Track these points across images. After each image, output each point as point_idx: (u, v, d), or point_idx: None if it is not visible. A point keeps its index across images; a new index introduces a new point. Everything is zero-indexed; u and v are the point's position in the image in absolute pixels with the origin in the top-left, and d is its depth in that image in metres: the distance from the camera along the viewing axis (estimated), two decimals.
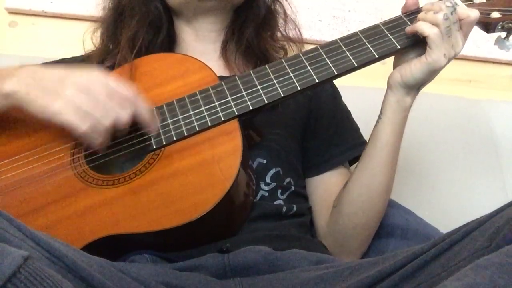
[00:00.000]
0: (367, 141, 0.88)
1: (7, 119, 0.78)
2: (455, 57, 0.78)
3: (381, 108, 0.84)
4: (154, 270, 0.64)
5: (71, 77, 0.70)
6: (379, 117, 0.84)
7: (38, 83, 0.70)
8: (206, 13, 0.93)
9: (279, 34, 0.99)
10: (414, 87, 0.80)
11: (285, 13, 1.00)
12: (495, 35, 0.86)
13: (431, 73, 0.77)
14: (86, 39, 0.98)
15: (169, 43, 0.94)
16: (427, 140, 1.22)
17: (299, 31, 1.00)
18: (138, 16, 0.91)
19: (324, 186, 0.93)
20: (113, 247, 0.71)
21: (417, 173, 1.17)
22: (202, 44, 0.95)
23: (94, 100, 0.69)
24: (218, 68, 0.91)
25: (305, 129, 0.95)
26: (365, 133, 0.97)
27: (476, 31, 0.85)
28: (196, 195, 0.71)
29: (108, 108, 0.69)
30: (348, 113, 1.01)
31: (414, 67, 0.78)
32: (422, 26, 0.75)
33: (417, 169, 1.18)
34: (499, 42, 0.85)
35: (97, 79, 0.71)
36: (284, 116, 0.92)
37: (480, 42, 1.45)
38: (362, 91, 1.24)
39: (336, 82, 1.04)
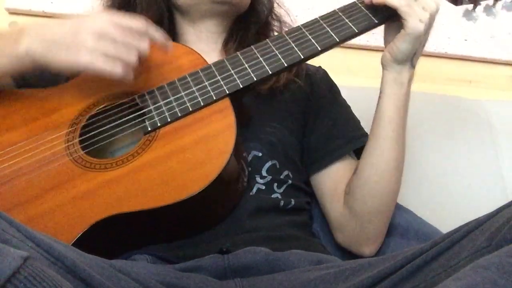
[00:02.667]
0: (368, 133, 0.88)
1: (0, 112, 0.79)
2: (434, 16, 0.79)
3: (380, 87, 0.85)
4: (154, 270, 0.64)
5: (84, 27, 0.72)
6: (379, 97, 0.85)
7: (53, 40, 0.72)
8: (214, 16, 0.94)
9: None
10: (405, 61, 0.82)
11: (279, 20, 1.03)
12: (481, 15, 0.89)
13: (415, 42, 0.79)
14: None
15: None
16: (427, 140, 1.22)
17: None
18: (147, 15, 0.90)
19: (332, 179, 0.93)
20: (114, 234, 0.71)
21: (417, 172, 1.17)
22: (203, 45, 0.95)
23: (114, 43, 0.71)
24: None
25: (304, 124, 0.95)
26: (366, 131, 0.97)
27: (478, 31, 0.85)
28: (195, 170, 0.72)
29: (129, 45, 0.72)
30: (347, 107, 1.01)
31: (398, 41, 0.80)
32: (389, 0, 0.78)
33: (417, 169, 1.18)
34: (466, 14, 0.89)
35: (107, 21, 0.72)
36: (281, 110, 0.92)
37: (481, 42, 1.45)
38: (362, 91, 1.24)
39: (339, 82, 1.04)
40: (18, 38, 0.73)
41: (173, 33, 0.96)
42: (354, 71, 1.29)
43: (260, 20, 0.99)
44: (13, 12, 1.32)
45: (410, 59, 0.82)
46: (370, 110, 0.89)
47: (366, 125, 0.97)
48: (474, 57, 1.48)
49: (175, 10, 0.96)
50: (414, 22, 0.76)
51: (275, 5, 1.02)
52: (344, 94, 1.03)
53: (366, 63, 1.24)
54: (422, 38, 0.79)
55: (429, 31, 0.80)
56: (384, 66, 0.84)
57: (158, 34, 0.76)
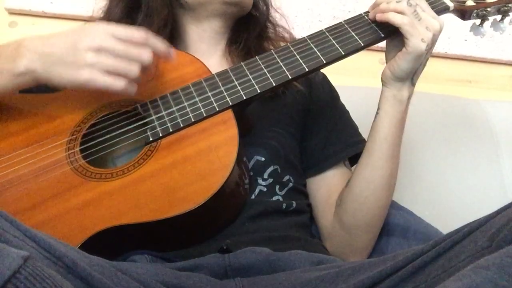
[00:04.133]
0: (366, 139, 0.88)
1: (0, 118, 0.79)
2: (437, 36, 0.78)
3: (378, 103, 0.85)
4: (154, 270, 0.64)
5: (82, 42, 0.71)
6: (377, 112, 0.85)
7: (50, 57, 0.71)
8: (220, 16, 0.94)
9: (277, 37, 1.01)
10: (406, 79, 0.81)
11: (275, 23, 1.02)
12: (488, 30, 0.89)
13: (415, 61, 0.78)
14: None
15: (170, 42, 0.94)
16: (427, 140, 1.22)
17: (292, 34, 1.02)
18: (157, 15, 0.90)
19: (326, 187, 0.93)
20: (114, 243, 0.71)
21: (417, 173, 1.17)
22: (206, 45, 0.96)
23: (115, 56, 0.70)
24: (220, 68, 0.92)
25: (304, 128, 0.95)
26: (365, 133, 0.97)
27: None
28: (196, 183, 0.71)
29: (131, 57, 0.71)
30: (346, 112, 1.01)
31: (399, 59, 0.79)
32: (392, 17, 0.78)
33: (417, 169, 1.18)
34: (474, 29, 0.89)
35: (106, 34, 0.71)
36: (282, 115, 0.92)
37: (480, 42, 1.45)
38: (361, 91, 1.24)
39: (335, 82, 1.04)
40: (17, 55, 0.72)
41: (176, 31, 0.95)
42: (347, 70, 1.29)
43: (261, 22, 0.99)
44: (13, 12, 1.31)
45: (410, 78, 0.82)
46: (369, 110, 0.88)
47: (363, 125, 0.97)
48: (474, 57, 1.48)
49: (179, 8, 0.95)
50: (416, 41, 0.76)
51: (271, 9, 1.02)
52: (343, 94, 1.03)
53: (359, 63, 1.24)
54: (423, 57, 0.78)
55: (431, 50, 0.80)
56: (384, 82, 0.84)
57: (159, 44, 0.75)
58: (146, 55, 0.72)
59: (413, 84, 0.83)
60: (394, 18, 0.77)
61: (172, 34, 0.94)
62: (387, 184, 0.85)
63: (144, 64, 0.72)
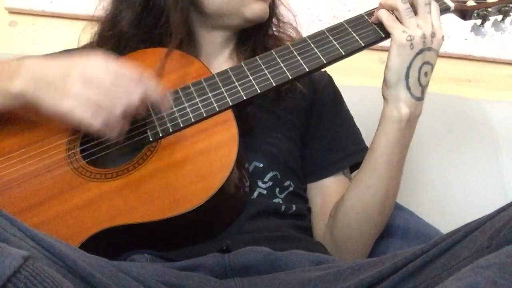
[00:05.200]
0: (368, 147, 0.87)
1: (1, 117, 0.78)
2: (429, 40, 0.77)
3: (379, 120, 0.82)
4: (154, 270, 0.64)
5: (74, 70, 0.69)
6: (377, 129, 0.82)
7: (44, 80, 0.69)
8: (235, 28, 0.93)
9: (283, 35, 1.00)
10: (396, 83, 0.77)
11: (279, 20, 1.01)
12: (489, 30, 0.89)
13: (400, 54, 0.76)
14: (84, 35, 0.97)
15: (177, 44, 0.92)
16: (427, 140, 1.22)
17: (299, 32, 1.01)
18: (176, 33, 0.87)
19: (323, 195, 0.92)
20: (114, 243, 0.71)
21: (417, 173, 1.17)
22: (212, 48, 0.95)
23: (101, 91, 0.67)
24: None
25: (305, 134, 0.94)
26: (364, 133, 0.97)
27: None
28: (196, 184, 0.71)
29: (117, 96, 0.68)
30: (350, 118, 0.99)
31: (387, 59, 0.78)
32: (380, 12, 0.79)
33: (417, 169, 1.18)
34: (475, 29, 0.89)
35: (100, 66, 0.69)
36: (283, 119, 0.91)
37: (480, 41, 1.45)
38: (361, 91, 1.24)
39: (335, 81, 1.04)
40: (14, 75, 0.70)
41: (186, 32, 0.91)
42: (347, 70, 1.29)
43: (266, 28, 0.97)
44: (13, 12, 1.31)
45: (402, 81, 0.77)
46: (368, 110, 0.88)
47: (362, 125, 0.97)
48: (474, 57, 1.48)
49: (194, 12, 0.92)
50: (396, 33, 0.76)
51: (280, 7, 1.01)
52: (342, 93, 1.02)
53: (359, 62, 1.24)
54: (408, 51, 0.76)
55: (427, 54, 0.77)
56: (383, 97, 0.81)
57: (155, 90, 0.72)
58: (134, 99, 0.68)
59: (413, 96, 0.78)
60: (381, 14, 0.78)
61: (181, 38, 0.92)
62: (380, 204, 0.83)
63: (130, 108, 0.69)
